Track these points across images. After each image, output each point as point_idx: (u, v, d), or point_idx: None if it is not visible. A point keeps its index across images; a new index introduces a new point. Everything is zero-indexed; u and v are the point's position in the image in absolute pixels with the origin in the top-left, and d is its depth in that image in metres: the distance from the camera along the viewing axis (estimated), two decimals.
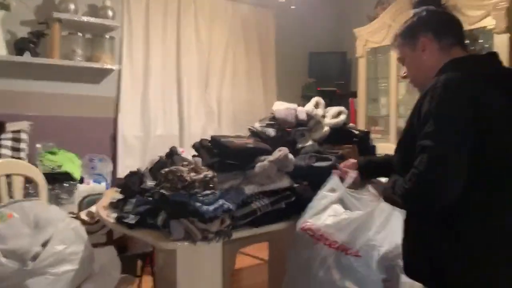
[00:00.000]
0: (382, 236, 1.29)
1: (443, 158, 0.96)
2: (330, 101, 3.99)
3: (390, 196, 1.12)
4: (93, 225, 1.95)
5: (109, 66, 3.07)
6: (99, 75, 3.17)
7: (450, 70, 1.07)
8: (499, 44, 2.60)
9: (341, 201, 1.45)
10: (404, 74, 1.26)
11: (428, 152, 0.97)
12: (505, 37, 2.58)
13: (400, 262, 1.18)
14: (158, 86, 3.38)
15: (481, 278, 0.99)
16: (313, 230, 1.39)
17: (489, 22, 2.64)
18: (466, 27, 2.64)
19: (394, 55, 3.31)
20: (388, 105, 3.46)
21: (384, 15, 3.38)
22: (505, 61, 2.48)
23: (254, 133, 1.98)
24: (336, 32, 4.33)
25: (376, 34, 3.44)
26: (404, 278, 1.21)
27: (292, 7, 2.78)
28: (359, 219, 1.32)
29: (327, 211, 1.43)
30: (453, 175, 0.96)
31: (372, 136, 3.55)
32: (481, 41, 2.77)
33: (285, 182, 1.60)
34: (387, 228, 1.29)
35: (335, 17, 4.34)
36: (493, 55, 1.14)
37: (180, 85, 3.49)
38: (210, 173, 1.37)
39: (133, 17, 3.27)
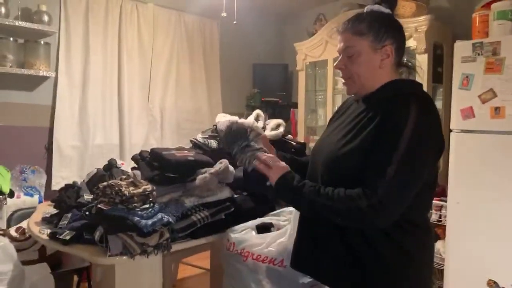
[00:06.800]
0: None
1: (408, 186, 0.94)
2: (274, 111, 4.18)
3: (296, 195, 1.04)
4: (23, 241, 1.85)
5: (44, 73, 2.92)
6: (33, 82, 3.01)
7: (418, 93, 1.03)
8: (421, 63, 2.89)
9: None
10: (343, 67, 1.07)
11: (396, 177, 0.92)
12: (425, 57, 2.87)
13: None
14: (97, 93, 3.28)
15: None
16: (239, 248, 1.45)
17: (412, 43, 2.92)
18: None
19: (331, 69, 3.52)
20: (325, 116, 3.65)
21: (322, 32, 3.58)
22: (426, 78, 2.83)
23: (196, 145, 2.01)
24: (278, 45, 4.51)
25: (314, 49, 3.63)
26: None
27: (234, 22, 2.85)
28: (281, 234, 1.41)
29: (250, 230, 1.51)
30: (407, 202, 0.96)
31: (310, 145, 3.77)
32: (405, 59, 3.04)
33: (225, 193, 1.65)
34: None
35: (277, 31, 4.51)
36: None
37: (121, 93, 3.41)
38: (149, 187, 1.38)
39: (71, 23, 3.15)
